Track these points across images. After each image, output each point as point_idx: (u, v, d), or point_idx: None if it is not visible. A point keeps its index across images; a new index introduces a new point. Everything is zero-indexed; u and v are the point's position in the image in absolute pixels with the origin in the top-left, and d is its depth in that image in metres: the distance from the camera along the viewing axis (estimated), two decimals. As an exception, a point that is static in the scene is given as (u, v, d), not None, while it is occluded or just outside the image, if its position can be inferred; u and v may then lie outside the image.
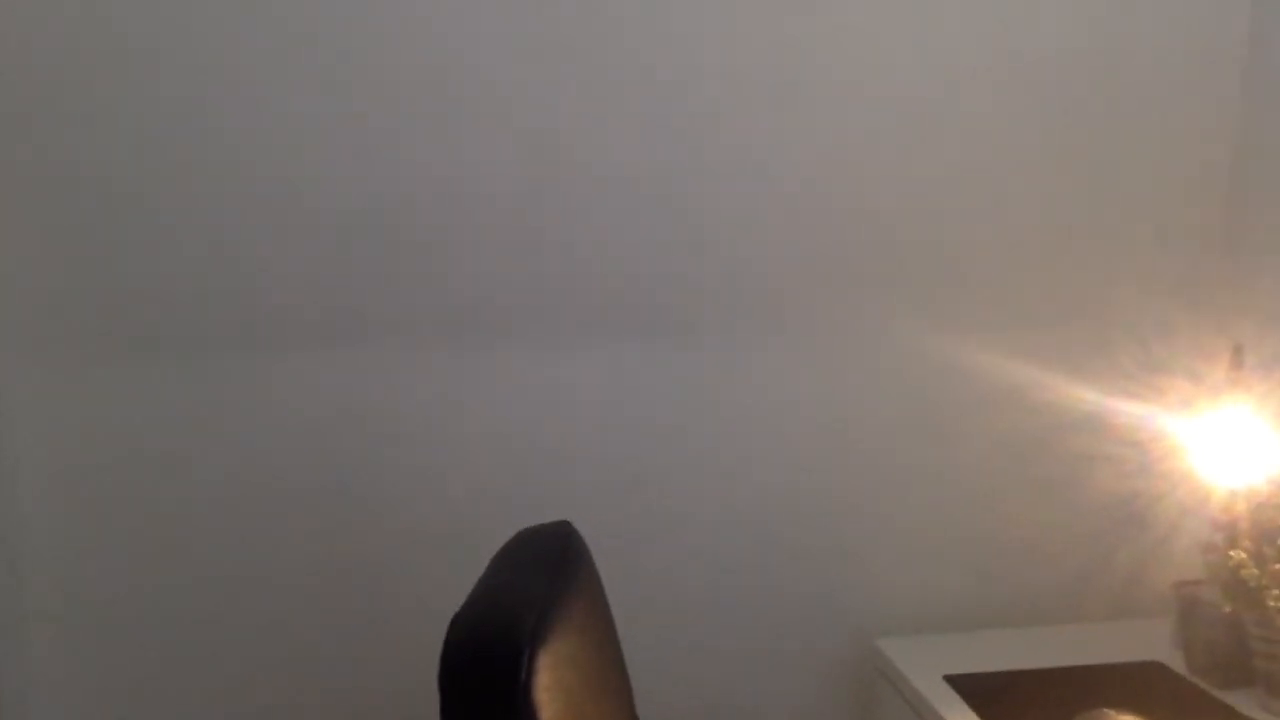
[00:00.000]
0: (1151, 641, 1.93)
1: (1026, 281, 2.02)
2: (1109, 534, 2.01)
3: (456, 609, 1.09)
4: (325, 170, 1.82)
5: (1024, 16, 1.95)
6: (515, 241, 1.90)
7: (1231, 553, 1.66)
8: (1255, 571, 1.62)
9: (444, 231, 1.87)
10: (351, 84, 1.80)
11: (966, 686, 1.80)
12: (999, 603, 2.08)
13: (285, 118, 1.79)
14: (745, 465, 2.02)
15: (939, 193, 1.98)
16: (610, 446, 1.98)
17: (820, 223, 1.97)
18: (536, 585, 1.15)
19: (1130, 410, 1.88)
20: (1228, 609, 1.71)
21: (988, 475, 2.04)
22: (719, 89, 1.90)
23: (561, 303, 1.93)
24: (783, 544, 2.04)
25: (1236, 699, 1.71)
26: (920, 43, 1.94)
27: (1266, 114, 1.96)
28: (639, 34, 1.87)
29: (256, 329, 1.86)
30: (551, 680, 1.04)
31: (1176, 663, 1.86)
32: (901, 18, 1.92)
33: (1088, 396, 1.95)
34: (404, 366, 1.90)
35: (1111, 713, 1.57)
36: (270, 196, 1.82)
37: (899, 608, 2.08)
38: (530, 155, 1.87)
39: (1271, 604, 1.60)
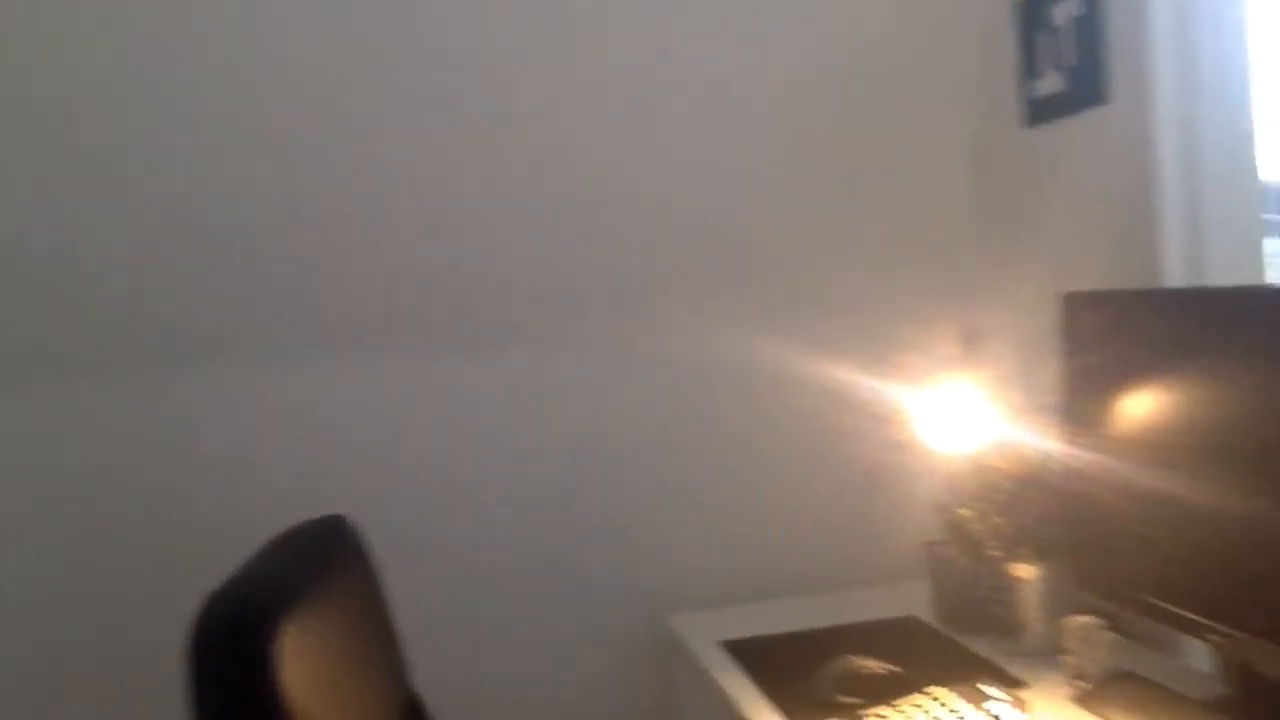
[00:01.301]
0: (911, 599, 2.10)
1: (792, 273, 2.20)
2: (861, 502, 2.19)
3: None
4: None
5: (799, 41, 2.17)
6: (317, 252, 2.01)
7: (959, 511, 1.83)
8: (979, 526, 1.80)
9: (246, 242, 1.97)
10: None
11: (740, 650, 1.95)
12: (774, 576, 2.23)
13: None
14: (542, 457, 2.15)
15: (714, 200, 2.17)
16: (410, 446, 2.09)
17: (602, 231, 2.14)
18: (289, 570, 1.24)
19: (878, 387, 2.06)
20: (961, 562, 1.88)
21: (762, 456, 2.21)
22: (515, 101, 2.07)
23: (365, 310, 2.04)
24: (578, 531, 2.17)
25: (977, 643, 1.88)
26: (705, 52, 2.14)
27: (997, 121, 2.17)
28: (437, 49, 2.03)
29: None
30: (297, 657, 1.12)
31: (929, 616, 2.03)
32: (686, 28, 2.11)
33: (843, 376, 2.12)
34: (212, 378, 1.99)
35: (854, 658, 1.73)
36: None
37: (689, 585, 2.22)
38: (339, 168, 2.00)
39: (992, 554, 1.78)
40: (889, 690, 1.63)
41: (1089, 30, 1.86)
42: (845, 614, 2.07)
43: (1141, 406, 1.59)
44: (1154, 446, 1.57)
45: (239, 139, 1.96)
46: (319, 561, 1.32)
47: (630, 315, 2.15)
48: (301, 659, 1.13)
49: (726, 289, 2.19)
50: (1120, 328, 1.66)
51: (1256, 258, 1.77)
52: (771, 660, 1.89)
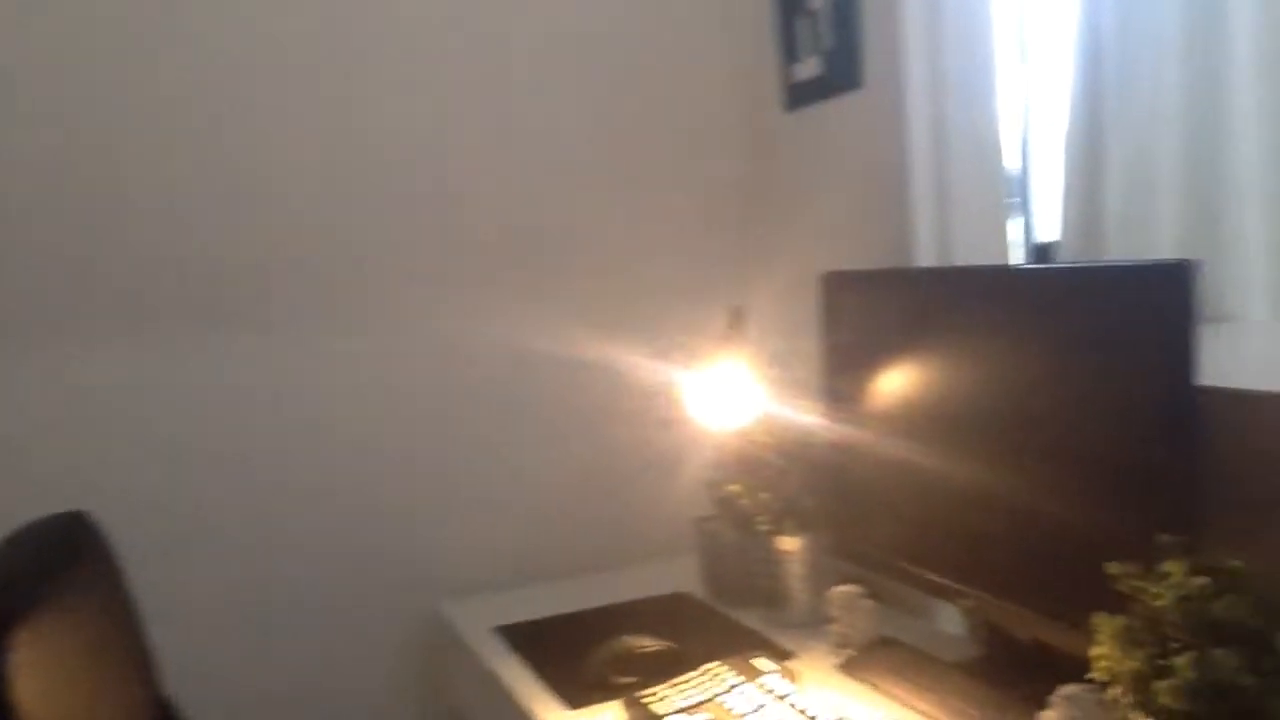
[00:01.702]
0: (681, 575, 2.13)
1: (566, 255, 2.20)
2: (633, 481, 2.21)
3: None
4: None
5: (572, 24, 2.17)
6: (94, 223, 1.90)
7: (728, 487, 1.87)
8: (747, 501, 1.83)
9: (21, 215, 1.86)
10: None
11: (513, 635, 1.93)
12: (547, 558, 2.23)
13: None
14: (309, 439, 2.07)
15: (490, 183, 2.15)
16: (171, 430, 1.98)
17: (382, 212, 2.09)
18: (21, 572, 1.14)
19: (649, 366, 2.07)
20: (729, 536, 1.92)
21: (534, 437, 2.20)
22: (305, 81, 2.01)
23: (138, 288, 1.94)
24: (346, 517, 2.10)
25: (747, 616, 1.93)
26: (479, 35, 2.11)
27: (763, 105, 2.21)
28: (225, 25, 1.95)
29: None
30: (31, 669, 1.04)
31: (700, 591, 2.06)
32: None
33: (615, 356, 2.13)
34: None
35: (628, 638, 1.73)
36: None
37: (463, 570, 2.18)
38: (123, 138, 1.90)
39: (761, 528, 1.82)
40: (664, 668, 1.65)
41: (844, 16, 1.91)
42: (618, 593, 2.08)
43: (893, 382, 1.65)
44: (905, 420, 1.64)
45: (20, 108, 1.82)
46: (56, 562, 1.22)
47: (404, 296, 2.10)
48: (36, 670, 1.04)
49: (500, 271, 2.16)
50: (874, 306, 1.72)
51: (1001, 239, 1.87)
52: (546, 644, 1.88)
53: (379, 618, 2.13)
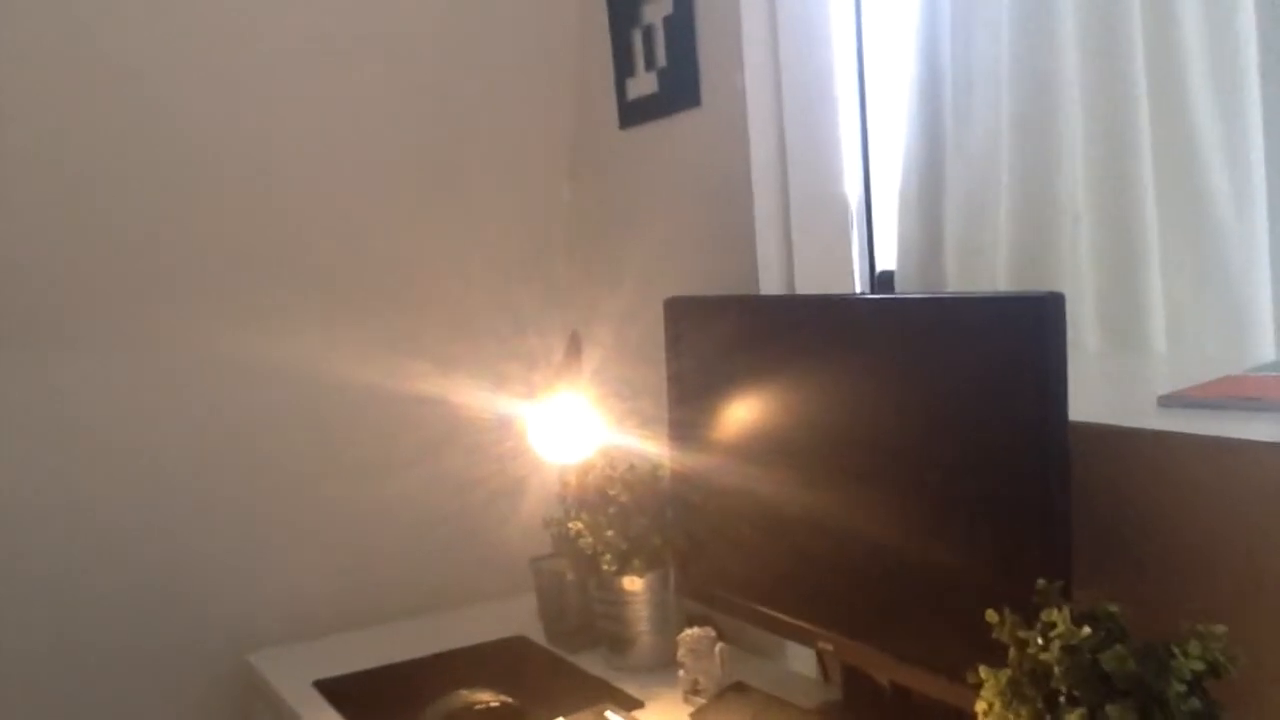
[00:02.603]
0: (518, 618, 2.01)
1: (397, 284, 2.06)
2: (465, 518, 2.08)
3: None
4: None
5: (392, 41, 2.02)
6: None
7: (570, 524, 1.76)
8: (590, 539, 1.73)
9: None
10: None
11: (336, 690, 1.78)
12: (370, 602, 2.08)
13: None
14: (104, 476, 1.88)
15: (313, 210, 1.99)
16: None
17: (190, 227, 1.90)
18: None
19: (479, 396, 1.96)
20: (570, 576, 1.82)
21: (347, 475, 2.04)
22: (95, 84, 1.81)
23: None
24: (143, 562, 1.92)
25: (587, 660, 1.83)
26: (301, 53, 1.95)
27: (596, 123, 2.11)
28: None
29: None
30: None
31: (539, 634, 1.95)
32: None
33: (441, 386, 2.00)
34: None
35: (465, 692, 1.61)
36: None
37: (272, 620, 2.02)
38: None
39: (605, 568, 1.72)
40: (503, 725, 1.54)
41: (679, 31, 1.84)
42: (452, 638, 1.96)
43: (738, 413, 1.58)
44: (751, 453, 1.57)
45: None
46: None
47: (227, 321, 1.92)
48: None
49: (333, 298, 2.01)
50: (717, 333, 1.65)
51: (845, 264, 1.83)
52: (373, 699, 1.75)
53: (183, 674, 1.95)
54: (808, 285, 1.77)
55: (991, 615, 1.11)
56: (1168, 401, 1.37)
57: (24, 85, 1.76)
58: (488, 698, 1.61)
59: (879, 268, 1.96)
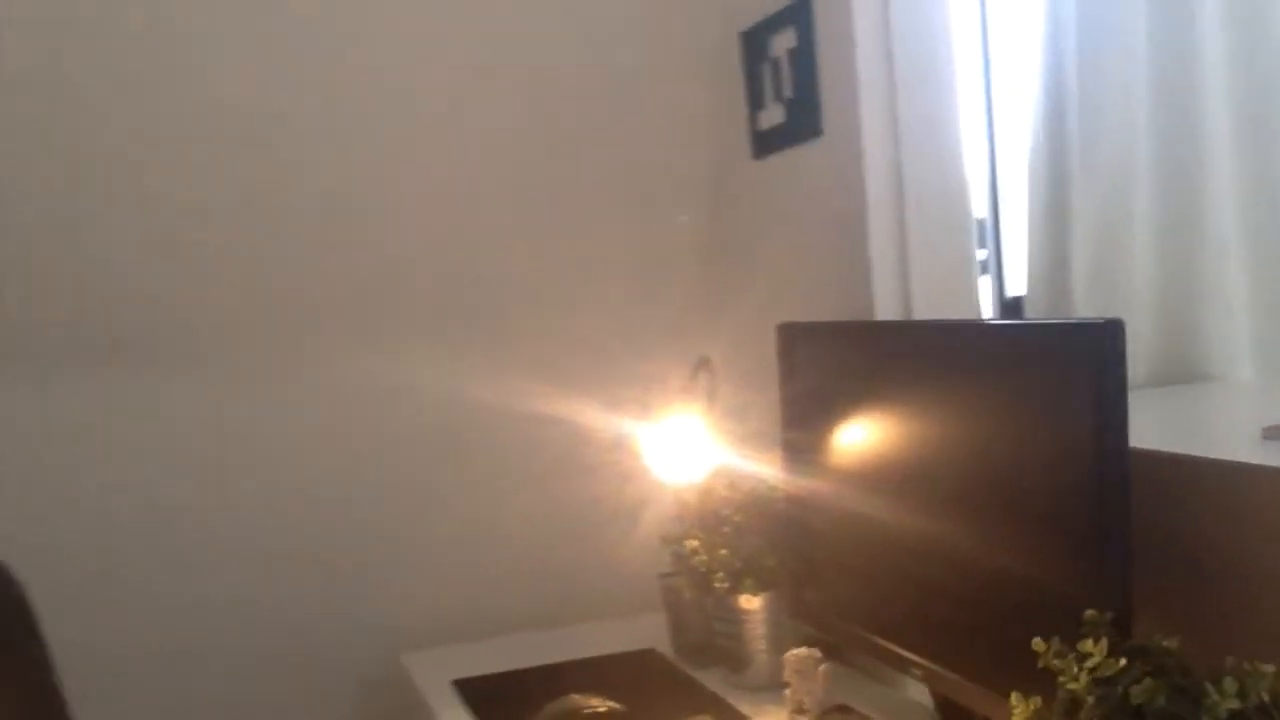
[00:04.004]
0: (651, 631, 2.08)
1: (525, 306, 2.17)
2: (606, 535, 2.16)
3: None
4: None
5: (535, 69, 2.13)
6: None
7: (686, 542, 1.82)
8: (705, 557, 1.79)
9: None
10: None
11: (472, 689, 1.89)
12: (520, 608, 2.19)
13: None
14: (265, 498, 2.05)
15: (447, 232, 2.13)
16: (104, 481, 1.97)
17: (336, 259, 2.07)
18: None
19: (609, 419, 2.04)
20: (688, 595, 1.87)
21: (490, 490, 2.16)
22: (237, 118, 1.97)
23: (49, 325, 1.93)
24: (305, 571, 2.08)
25: (709, 676, 1.88)
26: (441, 80, 2.08)
27: (731, 153, 2.17)
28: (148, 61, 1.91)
29: None
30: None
31: (669, 649, 2.02)
32: (421, 50, 2.05)
33: (563, 407, 2.09)
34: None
35: (577, 697, 1.69)
36: None
37: (424, 622, 2.15)
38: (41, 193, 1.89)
39: (717, 585, 1.77)
40: (608, 730, 1.61)
41: (803, 63, 1.88)
42: (587, 648, 2.04)
43: (845, 437, 1.60)
44: (854, 477, 1.59)
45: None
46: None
47: (362, 347, 2.08)
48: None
49: (460, 321, 2.14)
50: (828, 359, 1.68)
51: (968, 291, 1.82)
52: (500, 699, 1.85)
53: (338, 675, 2.11)
54: (926, 312, 1.77)
55: (1038, 644, 1.11)
56: (1273, 434, 1.32)
57: (161, 136, 1.95)
58: (596, 703, 1.68)
59: (1010, 294, 1.94)
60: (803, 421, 1.72)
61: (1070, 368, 1.18)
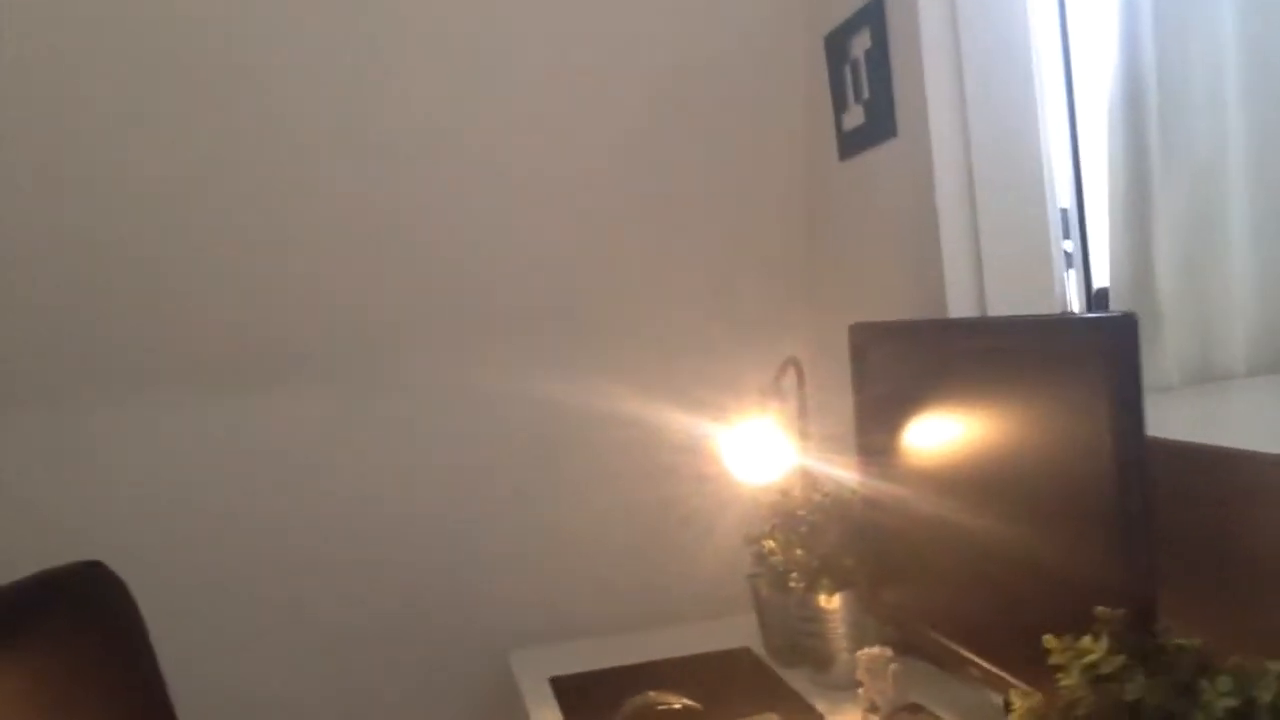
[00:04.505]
0: (747, 631, 2.10)
1: (609, 310, 2.24)
2: (692, 537, 2.20)
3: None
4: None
5: (624, 71, 2.15)
6: (96, 283, 2.02)
7: (764, 542, 1.85)
8: (781, 557, 1.81)
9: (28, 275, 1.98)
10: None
11: (567, 685, 1.96)
12: (617, 610, 2.25)
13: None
14: (377, 503, 2.17)
15: (531, 237, 2.19)
16: (213, 491, 2.13)
17: (418, 267, 2.16)
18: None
19: (691, 421, 2.08)
20: (769, 594, 1.90)
21: (589, 494, 2.23)
22: (332, 131, 2.05)
23: (168, 347, 2.09)
24: (416, 575, 2.20)
25: (795, 675, 1.90)
26: (526, 85, 2.12)
27: (819, 154, 2.18)
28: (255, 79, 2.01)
29: None
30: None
31: (762, 648, 2.04)
32: (506, 59, 2.10)
33: (646, 409, 2.14)
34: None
35: (654, 694, 1.74)
36: None
37: (531, 622, 2.23)
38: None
39: (793, 585, 1.79)
40: (683, 726, 1.65)
41: (877, 64, 1.88)
42: (683, 647, 2.09)
43: (914, 437, 1.60)
44: (921, 477, 1.59)
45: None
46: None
47: (452, 358, 2.18)
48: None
49: (545, 326, 2.22)
50: (897, 359, 1.68)
51: (1046, 285, 1.78)
52: (590, 696, 1.91)
53: (447, 672, 2.22)
54: (1003, 308, 1.75)
55: (1049, 640, 1.11)
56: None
57: (245, 164, 2.03)
58: (673, 700, 1.72)
59: (1098, 285, 1.89)
60: (874, 422, 1.72)
61: (1090, 363, 1.17)
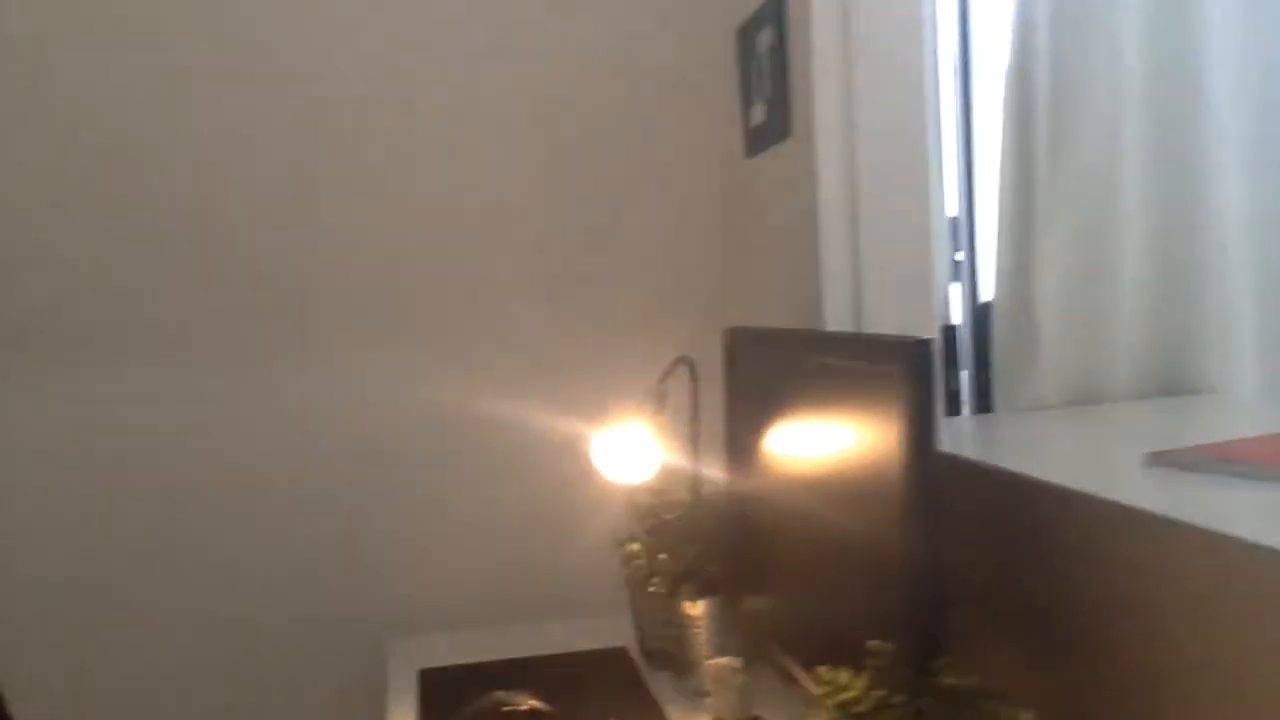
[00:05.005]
0: (628, 631, 2.08)
1: (488, 314, 2.20)
2: (583, 537, 2.17)
3: None
4: None
5: (535, 62, 2.14)
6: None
7: (629, 546, 1.81)
8: (642, 561, 1.78)
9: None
10: None
11: (433, 679, 1.94)
12: (509, 604, 2.23)
13: None
14: (261, 489, 2.16)
15: (404, 238, 2.17)
16: (74, 468, 2.09)
17: (286, 264, 2.14)
18: None
19: (557, 420, 2.05)
20: (634, 598, 1.86)
21: (480, 488, 2.20)
22: (210, 127, 2.05)
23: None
24: (301, 564, 2.17)
25: (660, 679, 1.86)
26: (434, 73, 2.11)
27: (732, 152, 2.14)
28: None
29: None
30: None
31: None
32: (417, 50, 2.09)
33: (521, 411, 2.12)
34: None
35: (501, 694, 1.71)
36: None
37: (420, 614, 2.21)
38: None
39: (651, 589, 1.76)
40: (527, 728, 1.62)
41: (777, 62, 1.84)
42: (565, 644, 2.06)
43: (771, 446, 1.57)
44: (773, 488, 1.56)
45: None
46: None
47: (340, 349, 2.15)
48: None
49: (424, 327, 2.19)
50: (763, 366, 1.64)
51: (926, 298, 1.74)
52: (453, 690, 1.88)
53: (327, 660, 2.19)
54: (880, 319, 1.71)
55: (822, 671, 1.08)
56: (1155, 460, 1.23)
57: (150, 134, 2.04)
58: (519, 701, 1.70)
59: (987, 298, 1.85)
60: (739, 427, 1.69)
61: (889, 386, 1.13)
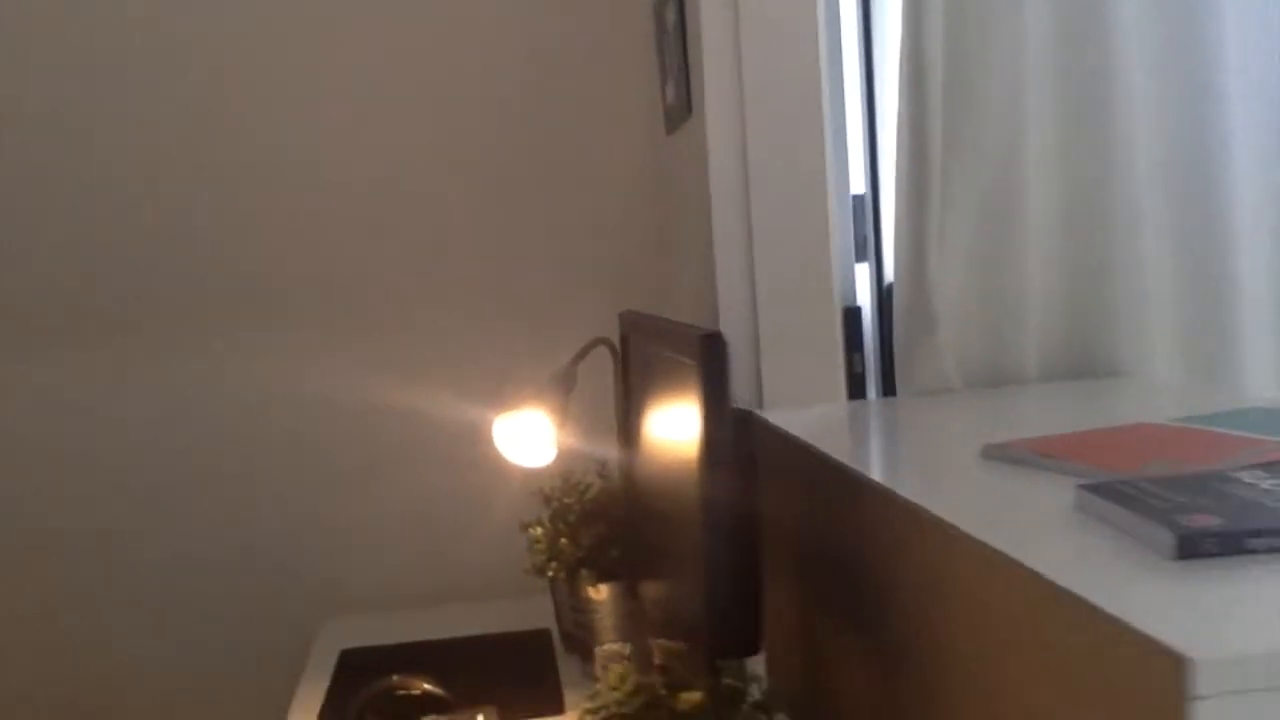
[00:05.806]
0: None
1: (396, 305, 2.19)
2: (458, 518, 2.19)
3: None
4: None
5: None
6: None
7: (532, 531, 1.81)
8: (543, 545, 1.77)
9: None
10: None
11: (353, 660, 1.95)
12: (447, 583, 2.23)
13: None
14: (212, 473, 2.17)
15: (309, 224, 2.16)
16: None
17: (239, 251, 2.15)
18: None
19: (455, 406, 2.05)
20: (539, 583, 1.86)
21: (414, 468, 2.19)
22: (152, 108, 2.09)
23: None
24: (235, 544, 2.19)
25: (571, 662, 1.86)
26: (347, 56, 2.11)
27: (654, 130, 2.11)
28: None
29: None
30: None
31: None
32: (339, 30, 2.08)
33: (419, 398, 2.13)
34: None
35: (398, 678, 1.72)
36: None
37: (355, 593, 2.22)
38: None
39: (550, 574, 1.75)
40: (420, 713, 1.63)
41: (678, 40, 1.81)
42: (494, 624, 2.07)
43: (643, 433, 1.55)
44: (638, 475, 1.54)
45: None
46: None
47: (224, 338, 2.16)
48: None
49: (338, 320, 2.19)
50: (641, 351, 1.62)
51: (828, 281, 1.71)
52: (365, 671, 1.89)
53: (259, 643, 2.22)
54: (777, 301, 1.68)
55: (612, 669, 1.07)
56: (989, 453, 1.19)
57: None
58: (416, 686, 1.70)
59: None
60: (630, 411, 1.67)
61: (693, 377, 1.11)
